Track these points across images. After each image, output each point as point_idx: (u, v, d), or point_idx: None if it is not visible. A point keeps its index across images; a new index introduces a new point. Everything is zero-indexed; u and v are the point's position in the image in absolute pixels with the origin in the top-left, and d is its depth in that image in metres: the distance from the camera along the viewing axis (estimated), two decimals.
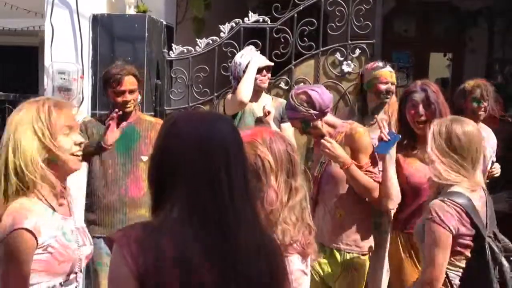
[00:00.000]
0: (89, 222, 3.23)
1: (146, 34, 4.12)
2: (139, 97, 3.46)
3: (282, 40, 4.23)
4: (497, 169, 3.79)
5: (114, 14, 4.25)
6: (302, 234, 1.83)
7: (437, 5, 7.92)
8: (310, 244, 1.85)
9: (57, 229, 1.92)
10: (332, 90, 4.10)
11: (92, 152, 3.15)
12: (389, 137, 2.88)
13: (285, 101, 3.58)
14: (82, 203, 3.34)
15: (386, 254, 3.29)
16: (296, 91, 2.99)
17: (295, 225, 1.81)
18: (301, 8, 4.19)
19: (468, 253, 2.36)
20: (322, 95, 2.92)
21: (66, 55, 4.19)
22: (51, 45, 4.22)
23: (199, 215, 1.34)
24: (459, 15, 7.92)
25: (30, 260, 1.83)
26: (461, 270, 2.38)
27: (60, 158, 1.93)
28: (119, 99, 3.28)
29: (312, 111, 2.91)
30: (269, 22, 4.24)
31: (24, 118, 1.91)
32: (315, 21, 4.18)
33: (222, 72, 4.18)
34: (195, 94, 4.35)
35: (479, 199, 2.43)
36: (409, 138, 3.10)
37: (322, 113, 2.94)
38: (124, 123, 3.22)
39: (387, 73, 3.49)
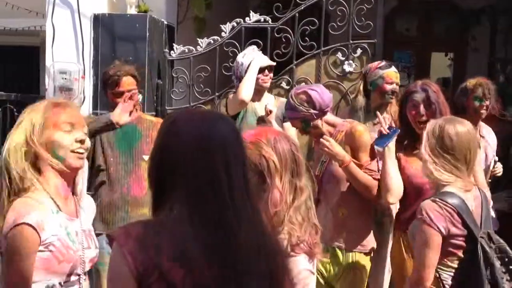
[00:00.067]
0: None
1: (147, 34, 4.12)
2: (140, 97, 3.47)
3: (284, 40, 4.23)
4: (499, 169, 3.78)
5: (115, 14, 4.26)
6: (309, 234, 1.82)
7: (438, 4, 7.91)
8: (317, 244, 1.85)
9: (60, 228, 1.92)
10: (334, 90, 4.10)
11: (98, 128, 3.18)
12: (388, 131, 2.89)
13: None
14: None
15: (388, 254, 3.28)
16: (296, 91, 2.99)
17: (301, 225, 1.81)
18: (302, 7, 4.19)
19: (460, 253, 2.36)
20: (322, 94, 2.92)
21: (67, 55, 4.20)
22: (52, 45, 4.22)
23: (199, 214, 1.34)
24: (461, 14, 7.90)
25: (33, 255, 1.84)
26: (453, 271, 2.37)
27: (40, 155, 1.92)
28: (118, 100, 3.30)
29: (312, 111, 2.91)
30: (270, 21, 4.24)
31: (24, 116, 1.96)
32: (316, 20, 4.18)
33: (223, 71, 4.18)
34: (196, 94, 4.35)
35: (474, 199, 2.43)
36: (410, 138, 3.10)
37: (322, 113, 2.94)
38: (135, 114, 3.30)
39: (392, 74, 3.50)
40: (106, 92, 3.38)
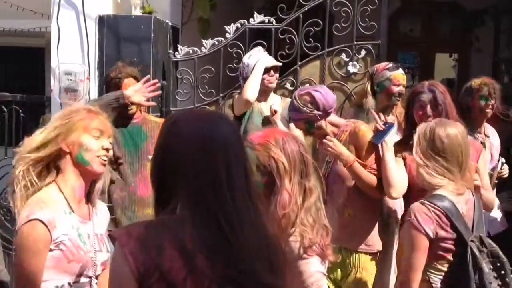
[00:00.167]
0: None
1: (152, 35, 4.14)
2: None
3: (288, 41, 4.24)
4: (506, 170, 3.77)
5: (120, 15, 4.27)
6: (320, 235, 1.82)
7: (442, 5, 7.90)
8: (329, 246, 1.85)
9: (72, 229, 1.95)
10: (338, 91, 4.10)
11: (109, 102, 3.07)
12: (383, 127, 2.92)
13: None
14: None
15: (394, 255, 3.28)
16: (299, 92, 3.00)
17: (313, 227, 1.81)
18: (306, 9, 4.19)
19: (450, 257, 2.35)
20: (325, 95, 2.93)
21: (73, 56, 4.21)
22: (57, 46, 4.24)
23: (200, 215, 1.34)
24: (465, 14, 7.90)
25: (44, 252, 1.87)
26: (443, 274, 2.37)
27: (65, 153, 1.98)
28: None
29: (316, 112, 2.92)
30: (274, 23, 4.25)
31: (59, 115, 2.06)
32: (320, 22, 4.18)
33: (228, 72, 4.19)
34: (201, 95, 4.36)
35: (466, 202, 2.41)
36: None
37: (326, 114, 2.95)
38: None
39: (400, 76, 3.51)
40: None
